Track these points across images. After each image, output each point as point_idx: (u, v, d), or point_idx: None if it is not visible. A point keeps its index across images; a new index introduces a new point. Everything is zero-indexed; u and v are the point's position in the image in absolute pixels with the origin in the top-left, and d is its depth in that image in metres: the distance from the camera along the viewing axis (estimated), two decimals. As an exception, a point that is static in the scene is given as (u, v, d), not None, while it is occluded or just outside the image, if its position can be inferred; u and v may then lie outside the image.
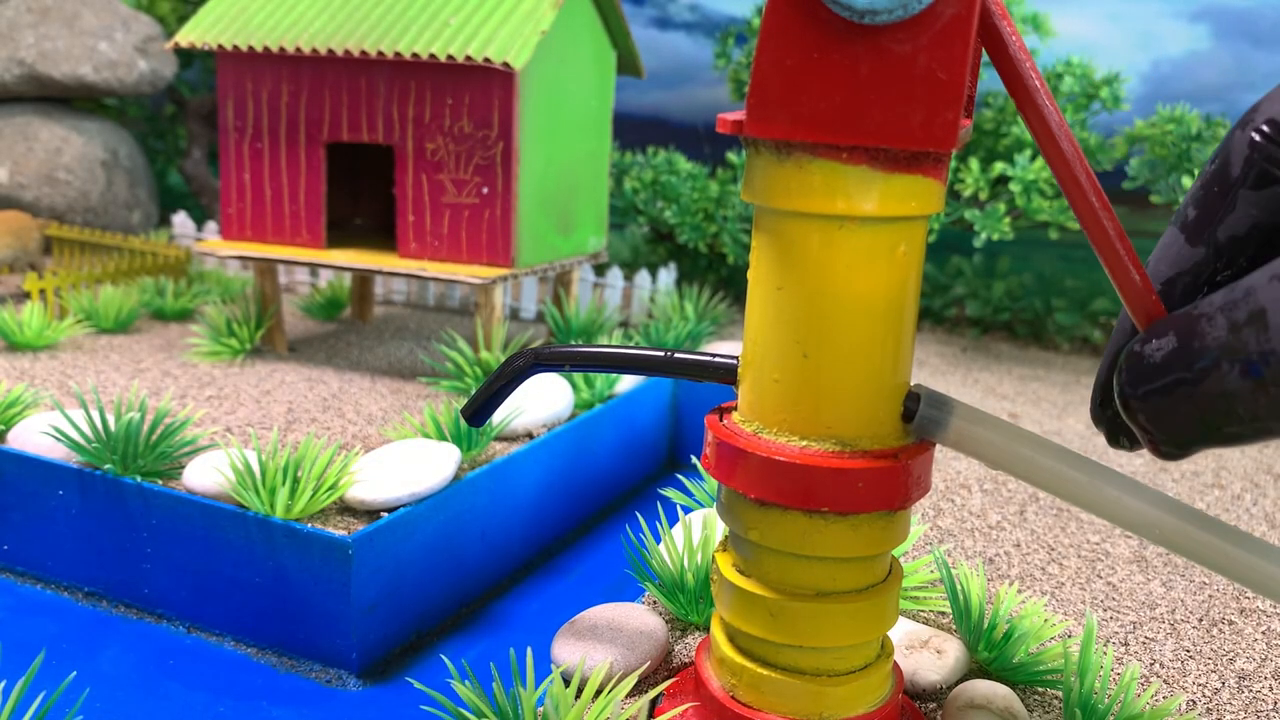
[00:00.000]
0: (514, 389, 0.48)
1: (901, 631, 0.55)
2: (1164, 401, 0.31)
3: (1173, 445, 0.32)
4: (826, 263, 0.38)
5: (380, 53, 0.89)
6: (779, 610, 0.42)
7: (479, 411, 0.49)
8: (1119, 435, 0.38)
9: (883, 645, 0.45)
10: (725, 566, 0.44)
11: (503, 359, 0.94)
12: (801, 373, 0.40)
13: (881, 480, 0.39)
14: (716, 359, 0.45)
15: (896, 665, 0.47)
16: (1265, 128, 0.33)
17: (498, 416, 0.79)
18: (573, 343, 1.04)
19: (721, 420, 0.43)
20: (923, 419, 0.40)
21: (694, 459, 0.72)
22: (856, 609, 0.42)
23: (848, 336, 0.39)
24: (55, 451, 0.72)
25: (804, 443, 0.40)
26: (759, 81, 0.37)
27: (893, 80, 0.35)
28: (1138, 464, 0.88)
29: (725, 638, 0.45)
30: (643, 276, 1.33)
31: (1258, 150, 0.34)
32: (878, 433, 0.40)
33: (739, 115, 0.39)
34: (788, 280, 0.39)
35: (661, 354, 0.46)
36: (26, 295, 1.12)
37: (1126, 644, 0.58)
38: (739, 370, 0.43)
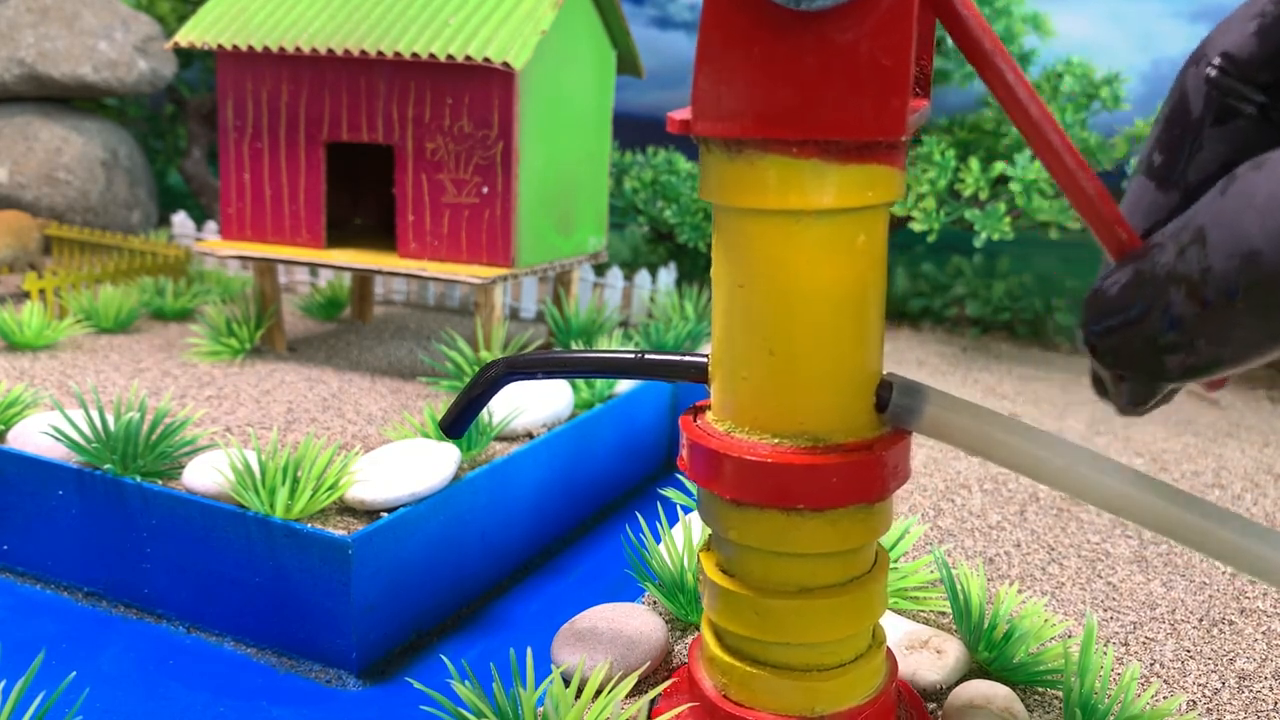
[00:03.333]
0: (489, 398, 0.47)
1: (901, 631, 0.55)
2: (1121, 336, 0.31)
3: (1138, 383, 0.32)
4: (786, 259, 0.38)
5: (380, 53, 0.89)
6: (764, 608, 0.41)
7: (456, 422, 0.48)
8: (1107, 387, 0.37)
9: (874, 634, 0.45)
10: (709, 566, 0.43)
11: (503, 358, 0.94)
12: (769, 370, 0.39)
13: (856, 474, 0.39)
14: (687, 358, 0.44)
15: (890, 652, 0.47)
16: (1218, 62, 0.33)
17: (498, 416, 0.79)
18: (575, 346, 1.04)
19: (695, 420, 0.43)
20: (896, 408, 0.40)
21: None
22: (842, 603, 0.41)
23: (813, 331, 0.38)
24: (55, 451, 0.72)
25: (776, 440, 0.40)
26: (701, 79, 0.36)
27: (837, 71, 0.34)
28: (1139, 464, 0.88)
29: (714, 637, 0.44)
30: (643, 276, 1.33)
31: (1215, 86, 0.33)
32: (851, 425, 0.40)
33: (686, 114, 0.38)
34: (748, 278, 0.38)
35: (632, 356, 0.45)
36: (26, 295, 1.12)
37: (1127, 644, 0.58)
38: (709, 369, 0.43)
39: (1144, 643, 0.58)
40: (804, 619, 0.41)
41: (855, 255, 0.38)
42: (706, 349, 0.45)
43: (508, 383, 0.47)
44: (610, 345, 0.99)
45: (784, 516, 0.40)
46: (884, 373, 0.41)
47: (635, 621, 0.54)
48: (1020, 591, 0.63)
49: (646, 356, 0.45)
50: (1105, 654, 0.51)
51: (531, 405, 0.82)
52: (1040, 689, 0.53)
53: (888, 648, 0.46)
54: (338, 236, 1.06)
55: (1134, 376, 0.32)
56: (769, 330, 0.39)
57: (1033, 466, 0.38)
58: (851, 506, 0.40)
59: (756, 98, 0.35)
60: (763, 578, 0.42)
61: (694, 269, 1.47)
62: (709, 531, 0.45)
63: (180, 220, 1.50)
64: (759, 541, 0.41)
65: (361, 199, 1.18)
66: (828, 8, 0.33)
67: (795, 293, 0.38)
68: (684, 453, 0.42)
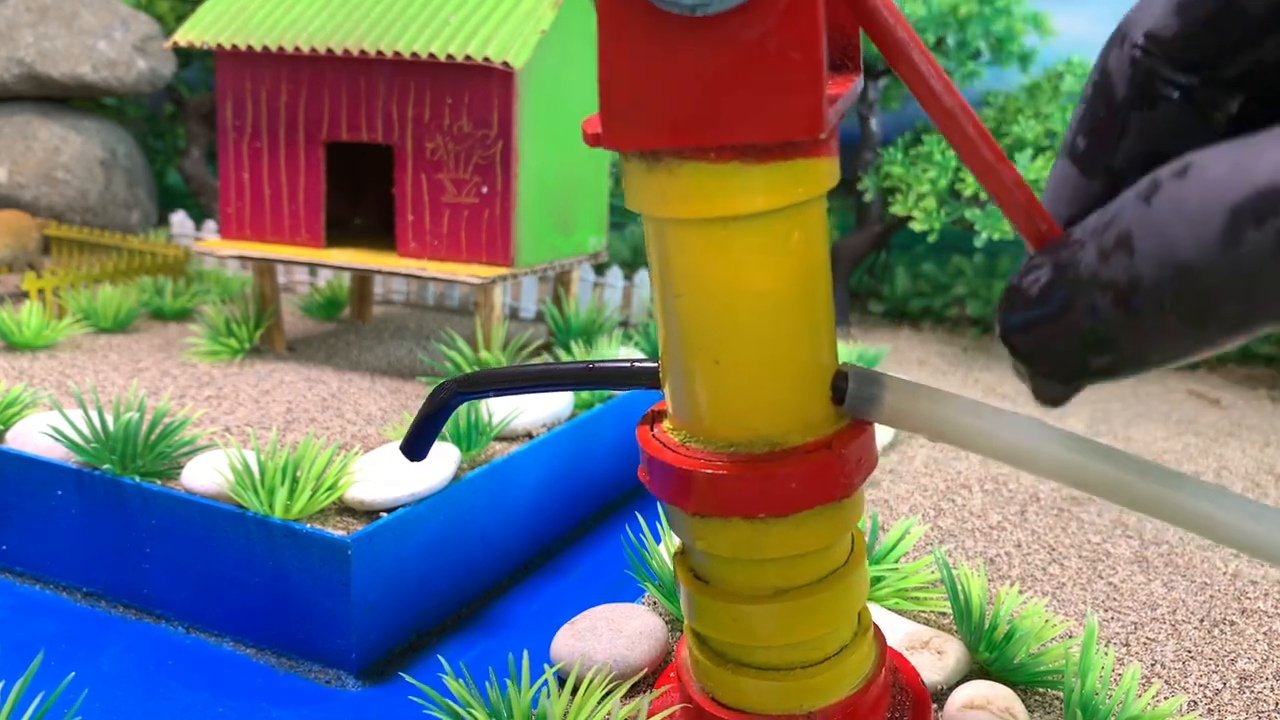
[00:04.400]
0: (444, 420, 0.47)
1: (902, 632, 0.55)
2: (1041, 334, 0.30)
3: (1055, 381, 0.31)
4: (719, 267, 0.36)
5: (380, 52, 0.89)
6: (740, 613, 0.40)
7: (414, 445, 0.47)
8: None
9: (859, 620, 0.44)
10: (683, 574, 0.43)
11: (502, 359, 0.94)
12: (716, 379, 0.38)
13: (817, 475, 0.38)
14: (638, 365, 0.43)
15: (880, 633, 0.46)
16: (1142, 42, 0.31)
17: (498, 416, 0.79)
18: (575, 346, 1.04)
19: (653, 430, 0.41)
20: (854, 399, 0.38)
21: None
22: (820, 600, 0.40)
23: (756, 336, 0.37)
24: (54, 451, 0.72)
25: (733, 449, 0.38)
26: (606, 92, 0.34)
27: (745, 71, 0.32)
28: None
29: (696, 641, 0.44)
30: (643, 276, 1.32)
31: (1139, 67, 0.31)
32: (807, 423, 0.38)
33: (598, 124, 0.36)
34: (685, 288, 0.37)
35: (583, 366, 0.45)
36: (25, 295, 1.11)
37: (1127, 644, 0.58)
38: (660, 376, 0.41)
39: (1145, 643, 0.58)
40: (783, 620, 0.40)
41: (792, 254, 0.36)
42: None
43: (459, 404, 0.46)
44: (611, 345, 0.99)
45: (749, 525, 0.39)
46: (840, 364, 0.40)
47: (635, 621, 0.54)
48: (1021, 592, 0.63)
49: (596, 366, 0.44)
50: (1106, 654, 0.51)
51: (531, 405, 0.82)
52: (1041, 689, 0.53)
53: (875, 627, 0.45)
54: (337, 236, 1.06)
55: (1052, 374, 0.30)
56: (711, 340, 0.37)
57: (1003, 451, 0.36)
58: (818, 508, 0.39)
59: (665, 106, 0.33)
60: (736, 583, 0.41)
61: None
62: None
63: (179, 220, 1.49)
64: (727, 550, 0.40)
65: (361, 199, 1.18)
66: (725, 9, 0.32)
67: (734, 300, 0.36)
68: (642, 464, 0.41)
